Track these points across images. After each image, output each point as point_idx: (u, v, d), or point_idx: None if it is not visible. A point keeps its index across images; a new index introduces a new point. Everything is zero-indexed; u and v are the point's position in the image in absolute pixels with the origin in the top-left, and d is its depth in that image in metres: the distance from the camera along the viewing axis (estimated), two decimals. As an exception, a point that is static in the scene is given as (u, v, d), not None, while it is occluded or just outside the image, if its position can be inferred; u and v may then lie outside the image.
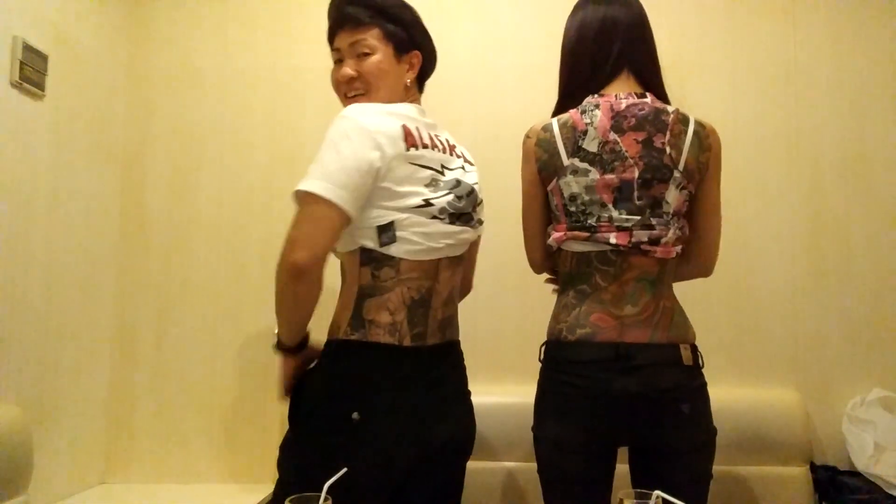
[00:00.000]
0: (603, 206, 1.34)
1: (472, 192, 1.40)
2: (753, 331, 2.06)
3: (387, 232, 1.27)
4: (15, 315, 1.70)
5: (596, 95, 1.38)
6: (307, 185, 1.20)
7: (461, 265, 1.42)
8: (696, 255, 1.44)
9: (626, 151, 1.33)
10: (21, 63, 1.69)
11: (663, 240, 1.33)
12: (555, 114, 1.45)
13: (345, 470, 0.96)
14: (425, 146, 1.33)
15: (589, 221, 1.34)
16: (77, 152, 1.96)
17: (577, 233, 1.35)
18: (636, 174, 1.32)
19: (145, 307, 2.14)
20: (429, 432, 1.29)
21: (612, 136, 1.33)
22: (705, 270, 1.48)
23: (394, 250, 1.28)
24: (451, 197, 1.33)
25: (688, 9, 2.15)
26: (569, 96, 1.43)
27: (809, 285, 2.06)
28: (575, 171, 1.34)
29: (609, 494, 1.35)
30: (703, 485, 1.34)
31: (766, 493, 1.89)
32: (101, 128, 2.08)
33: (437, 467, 1.33)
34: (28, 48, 1.72)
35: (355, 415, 1.22)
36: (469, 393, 1.43)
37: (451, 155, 1.40)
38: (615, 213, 1.33)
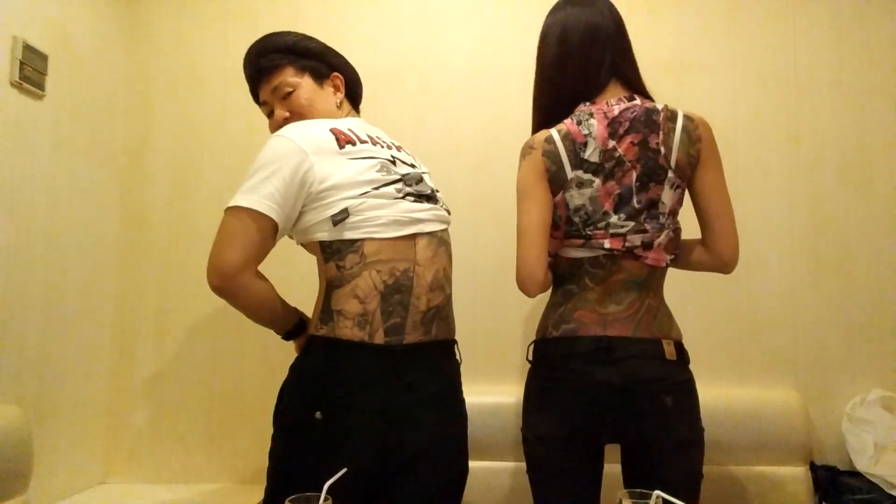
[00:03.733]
0: (605, 213, 1.33)
1: (421, 180, 1.38)
2: (753, 331, 2.06)
3: (340, 217, 1.26)
4: (15, 315, 1.70)
5: (588, 104, 1.36)
6: (233, 202, 1.25)
7: (445, 248, 1.37)
8: (712, 245, 1.39)
9: (625, 156, 1.32)
10: (21, 63, 1.69)
11: (657, 242, 1.34)
12: (541, 123, 1.42)
13: (345, 470, 0.96)
14: (364, 142, 1.35)
15: (587, 230, 1.34)
16: (77, 152, 1.96)
17: (572, 240, 1.36)
18: (634, 177, 1.32)
19: (145, 307, 2.14)
20: (398, 440, 1.23)
21: (611, 143, 1.32)
22: (723, 263, 1.39)
23: (353, 233, 1.25)
24: (400, 184, 1.33)
25: (688, 9, 2.15)
26: (558, 105, 1.40)
27: (809, 285, 2.06)
28: (580, 184, 1.33)
29: (597, 492, 1.34)
30: (692, 485, 1.31)
31: (766, 493, 1.88)
32: (101, 128, 2.08)
33: (416, 479, 1.26)
34: (28, 48, 1.72)
35: (318, 414, 1.20)
36: (459, 400, 1.36)
37: (400, 152, 1.42)
38: (613, 219, 1.33)
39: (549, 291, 1.46)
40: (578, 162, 1.33)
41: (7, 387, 1.66)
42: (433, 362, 1.31)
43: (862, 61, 2.11)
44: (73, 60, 1.93)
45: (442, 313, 1.32)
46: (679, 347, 1.35)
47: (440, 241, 1.35)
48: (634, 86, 1.40)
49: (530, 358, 1.41)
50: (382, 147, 1.38)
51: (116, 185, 2.15)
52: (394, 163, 1.36)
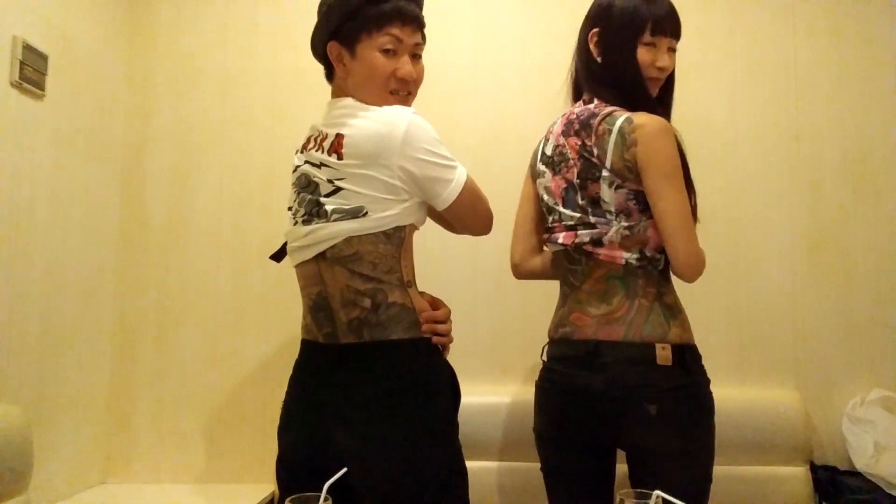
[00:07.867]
0: (555, 205, 1.42)
1: (315, 189, 1.28)
2: (753, 331, 2.06)
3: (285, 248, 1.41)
4: (15, 315, 1.70)
5: (571, 107, 1.49)
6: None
7: (341, 264, 1.26)
8: (666, 250, 1.32)
9: (570, 153, 1.39)
10: (21, 63, 1.69)
11: (605, 239, 1.33)
12: None
13: (345, 469, 0.96)
14: (303, 148, 1.40)
15: (550, 223, 1.44)
16: (77, 152, 1.96)
17: (546, 234, 1.47)
18: (575, 175, 1.38)
19: (145, 307, 2.14)
20: (327, 434, 1.22)
21: (562, 139, 1.41)
22: (678, 272, 1.33)
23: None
24: (295, 204, 1.34)
25: (688, 9, 2.14)
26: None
27: (809, 285, 2.06)
28: (542, 175, 1.46)
29: (606, 492, 1.35)
30: (694, 493, 1.23)
31: (766, 493, 1.88)
32: (101, 128, 2.08)
33: (350, 478, 1.10)
34: (28, 48, 1.72)
35: (284, 400, 1.36)
36: (395, 404, 1.23)
37: (309, 151, 1.33)
38: (565, 212, 1.39)
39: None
40: (542, 156, 1.47)
41: (7, 387, 1.66)
42: (370, 362, 1.25)
43: (862, 61, 2.11)
44: (73, 60, 1.93)
45: (369, 320, 1.25)
46: (678, 351, 1.28)
47: (334, 259, 1.26)
48: (598, 92, 1.40)
49: (544, 357, 1.46)
50: (308, 148, 1.34)
51: (116, 185, 2.15)
52: (312, 170, 1.30)
